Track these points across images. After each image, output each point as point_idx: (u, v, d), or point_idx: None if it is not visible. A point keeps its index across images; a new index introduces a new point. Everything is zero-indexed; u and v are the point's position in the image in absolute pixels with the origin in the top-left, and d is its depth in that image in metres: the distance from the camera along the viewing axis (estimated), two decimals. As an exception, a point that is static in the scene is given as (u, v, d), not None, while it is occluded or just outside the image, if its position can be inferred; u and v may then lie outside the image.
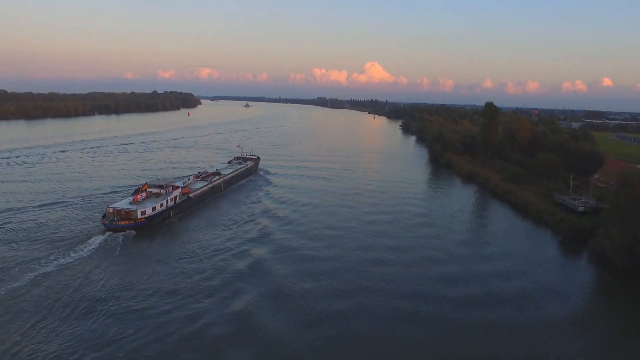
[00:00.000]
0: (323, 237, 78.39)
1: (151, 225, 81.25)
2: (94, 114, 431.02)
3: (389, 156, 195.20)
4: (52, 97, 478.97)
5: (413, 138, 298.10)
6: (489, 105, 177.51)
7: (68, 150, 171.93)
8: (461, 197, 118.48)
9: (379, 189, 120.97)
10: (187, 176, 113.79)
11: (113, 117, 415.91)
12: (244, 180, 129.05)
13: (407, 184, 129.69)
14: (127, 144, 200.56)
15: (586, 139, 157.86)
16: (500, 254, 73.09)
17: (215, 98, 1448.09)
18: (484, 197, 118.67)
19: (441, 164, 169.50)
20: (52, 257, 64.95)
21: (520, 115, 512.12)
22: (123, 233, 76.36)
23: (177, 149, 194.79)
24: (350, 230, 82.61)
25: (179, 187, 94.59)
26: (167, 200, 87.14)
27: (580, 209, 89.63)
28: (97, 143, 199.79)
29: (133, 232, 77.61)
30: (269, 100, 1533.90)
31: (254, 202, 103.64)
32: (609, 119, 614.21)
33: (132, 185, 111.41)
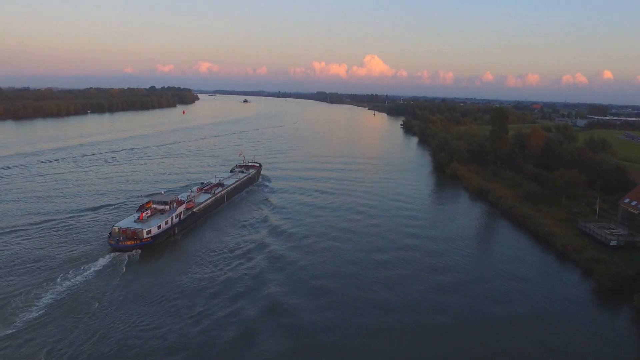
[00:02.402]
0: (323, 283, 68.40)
1: (157, 243, 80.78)
2: (86, 113, 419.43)
3: (391, 165, 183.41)
4: (45, 95, 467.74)
5: (415, 140, 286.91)
6: (498, 111, 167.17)
7: (50, 161, 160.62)
8: (472, 221, 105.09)
9: (380, 214, 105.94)
10: (190, 188, 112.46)
11: (106, 117, 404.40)
12: (246, 190, 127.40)
13: (411, 205, 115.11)
14: (116, 152, 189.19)
15: (604, 148, 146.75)
16: (526, 311, 60.81)
17: (214, 93, 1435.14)
18: (497, 221, 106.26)
19: (447, 175, 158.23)
20: (59, 282, 64.01)
21: (524, 112, 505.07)
22: (129, 253, 75.73)
23: (169, 157, 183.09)
24: (353, 277, 70.69)
25: (183, 202, 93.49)
26: (172, 218, 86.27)
27: (613, 242, 78.65)
28: (84, 150, 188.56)
29: (139, 251, 76.92)
30: (269, 94, 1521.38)
31: (256, 218, 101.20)
32: (612, 114, 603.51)
33: (114, 204, 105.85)
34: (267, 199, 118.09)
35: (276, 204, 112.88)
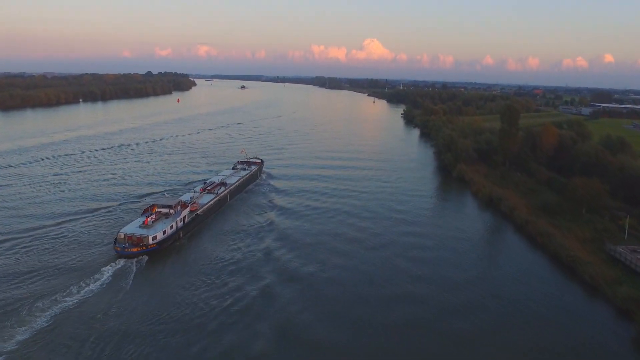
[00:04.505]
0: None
1: (162, 249, 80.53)
2: (78, 102, 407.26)
3: (392, 164, 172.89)
4: (37, 83, 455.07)
5: (416, 132, 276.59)
6: (509, 108, 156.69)
7: (32, 162, 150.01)
8: (484, 243, 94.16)
9: (380, 243, 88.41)
10: (193, 188, 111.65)
11: (98, 106, 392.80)
12: (248, 189, 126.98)
13: (416, 229, 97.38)
14: (104, 149, 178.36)
15: (623, 149, 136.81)
16: None
17: (212, 78, 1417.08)
18: (512, 240, 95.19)
19: (453, 177, 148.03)
20: (69, 292, 63.71)
21: (526, 99, 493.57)
22: (136, 259, 75.68)
23: (161, 155, 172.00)
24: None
25: (187, 205, 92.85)
26: (176, 222, 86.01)
27: (651, 275, 69.31)
28: (69, 147, 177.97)
29: (146, 258, 76.84)
30: (267, 79, 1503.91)
31: (259, 221, 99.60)
32: (616, 100, 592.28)
33: (105, 210, 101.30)
34: (269, 200, 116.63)
35: (278, 206, 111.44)
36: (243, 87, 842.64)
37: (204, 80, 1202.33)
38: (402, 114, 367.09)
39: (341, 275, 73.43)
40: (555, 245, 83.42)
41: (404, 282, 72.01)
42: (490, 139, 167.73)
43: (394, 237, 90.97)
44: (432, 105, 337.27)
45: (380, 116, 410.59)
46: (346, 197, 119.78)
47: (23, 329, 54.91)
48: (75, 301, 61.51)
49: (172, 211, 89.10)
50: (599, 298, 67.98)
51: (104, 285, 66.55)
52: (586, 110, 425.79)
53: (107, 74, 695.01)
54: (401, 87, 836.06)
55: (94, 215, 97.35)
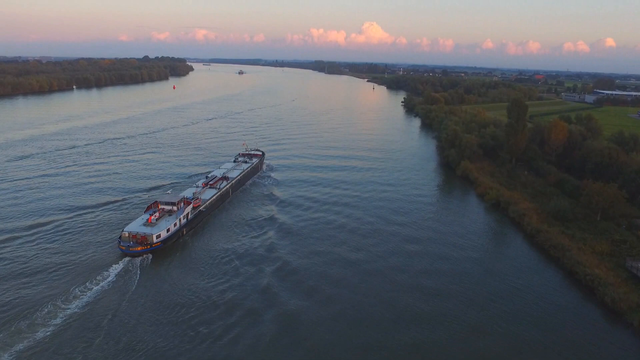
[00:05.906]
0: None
1: (166, 246, 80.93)
2: (72, 89, 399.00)
3: (392, 160, 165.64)
4: (30, 69, 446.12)
5: (417, 122, 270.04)
6: (516, 102, 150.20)
7: (18, 158, 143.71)
8: (491, 252, 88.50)
9: (378, 262, 79.78)
10: (195, 183, 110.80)
11: (92, 93, 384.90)
12: (250, 182, 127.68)
13: (418, 247, 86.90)
14: (96, 143, 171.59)
15: (636, 147, 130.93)
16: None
17: (209, 62, 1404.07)
18: (520, 247, 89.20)
19: (456, 175, 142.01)
20: (76, 293, 63.83)
21: (528, 86, 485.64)
22: (140, 258, 76.08)
23: (156, 151, 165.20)
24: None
25: (190, 202, 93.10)
26: (179, 220, 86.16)
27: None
28: (59, 141, 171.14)
29: (150, 256, 77.16)
30: (266, 63, 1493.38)
31: (261, 217, 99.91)
32: (619, 86, 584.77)
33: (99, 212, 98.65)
34: (270, 198, 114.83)
35: (279, 204, 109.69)
36: (241, 72, 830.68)
37: (201, 64, 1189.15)
38: (402, 102, 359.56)
39: (346, 308, 65.29)
40: (571, 260, 77.57)
41: (418, 320, 62.86)
42: (495, 133, 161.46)
43: (402, 260, 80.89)
44: (433, 93, 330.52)
45: (380, 104, 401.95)
46: (346, 205, 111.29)
47: (29, 330, 55.09)
48: (81, 302, 61.82)
49: (175, 208, 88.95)
50: (622, 326, 62.41)
51: (111, 285, 67.12)
52: (590, 98, 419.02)
53: (103, 59, 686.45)
54: (401, 72, 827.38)
55: (94, 213, 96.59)
